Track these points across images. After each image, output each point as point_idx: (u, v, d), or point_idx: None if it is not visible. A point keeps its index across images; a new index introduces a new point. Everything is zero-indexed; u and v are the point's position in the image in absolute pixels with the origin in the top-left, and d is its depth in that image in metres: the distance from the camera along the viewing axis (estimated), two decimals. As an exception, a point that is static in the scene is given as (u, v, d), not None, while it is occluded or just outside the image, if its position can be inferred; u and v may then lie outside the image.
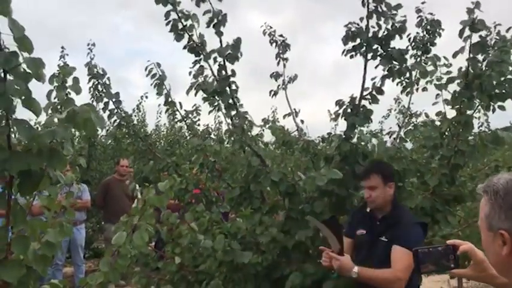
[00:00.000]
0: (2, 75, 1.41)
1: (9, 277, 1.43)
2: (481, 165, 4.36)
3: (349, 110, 3.56)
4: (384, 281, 2.81)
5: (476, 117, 3.68)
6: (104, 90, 4.75)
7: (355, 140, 3.62)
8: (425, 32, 4.54)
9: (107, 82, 4.83)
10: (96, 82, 4.79)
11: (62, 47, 7.10)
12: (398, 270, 2.76)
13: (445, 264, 1.69)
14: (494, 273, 1.50)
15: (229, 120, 3.80)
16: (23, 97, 1.44)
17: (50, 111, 1.84)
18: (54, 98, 1.93)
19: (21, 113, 1.52)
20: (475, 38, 3.36)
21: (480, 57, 3.41)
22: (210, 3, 3.44)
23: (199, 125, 5.26)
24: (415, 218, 3.03)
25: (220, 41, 3.50)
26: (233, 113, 3.61)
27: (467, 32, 3.33)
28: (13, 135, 1.51)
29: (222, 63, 3.52)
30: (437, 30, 4.45)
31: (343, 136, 3.56)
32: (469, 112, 3.43)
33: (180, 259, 3.47)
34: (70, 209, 2.20)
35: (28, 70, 1.44)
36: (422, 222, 2.99)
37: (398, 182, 3.48)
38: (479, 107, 3.52)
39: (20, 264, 1.48)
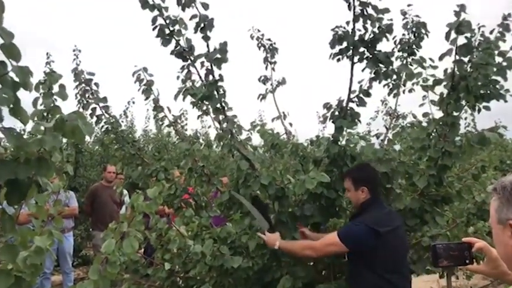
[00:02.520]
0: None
1: (-3, 287, 1.41)
2: (468, 165, 4.40)
3: (336, 113, 3.57)
4: (299, 247, 3.14)
5: (462, 118, 3.72)
6: (92, 96, 4.71)
7: (344, 142, 3.65)
8: (411, 34, 4.57)
9: (95, 88, 4.79)
10: (84, 88, 4.75)
11: (47, 53, 7.02)
12: (317, 243, 3.06)
13: (460, 259, 1.78)
14: (507, 270, 1.59)
15: (217, 125, 3.79)
16: (11, 105, 1.43)
17: (35, 119, 1.83)
18: (41, 105, 1.92)
19: (6, 120, 1.50)
20: (461, 40, 3.40)
21: (466, 59, 3.44)
22: (197, 8, 3.43)
23: (186, 129, 5.24)
24: (373, 221, 3.01)
25: (207, 46, 3.49)
26: (221, 117, 3.60)
27: (453, 35, 3.37)
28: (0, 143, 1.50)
29: (209, 67, 3.51)
30: (423, 32, 4.48)
31: (331, 139, 3.57)
32: (455, 113, 3.46)
33: (170, 265, 3.45)
34: (58, 217, 2.18)
35: (16, 79, 1.43)
36: (372, 228, 2.97)
37: (386, 183, 3.52)
38: (466, 107, 3.56)
39: (9, 274, 1.46)
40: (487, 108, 3.55)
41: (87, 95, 4.69)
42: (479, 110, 3.57)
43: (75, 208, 6.81)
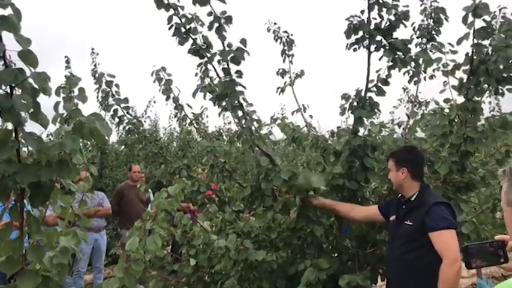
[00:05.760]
0: (9, 90, 1.44)
1: (25, 286, 1.47)
2: (493, 150, 4.32)
3: (355, 104, 3.55)
4: (448, 278, 2.76)
5: (485, 102, 3.65)
6: (113, 97, 4.78)
7: (366, 132, 3.63)
8: (430, 20, 4.50)
9: (116, 89, 4.86)
10: (106, 90, 4.83)
11: (66, 57, 7.08)
12: (446, 256, 2.78)
13: (494, 259, 1.74)
14: None
15: (237, 121, 3.81)
16: (31, 110, 1.47)
17: (58, 122, 1.88)
18: (63, 109, 1.97)
19: (34, 123, 1.55)
20: (480, 23, 3.32)
21: (486, 41, 3.37)
22: (211, 6, 3.43)
23: (208, 127, 5.29)
24: (439, 198, 3.03)
25: (223, 44, 3.50)
26: (240, 113, 3.62)
27: (470, 18, 3.30)
28: (25, 148, 1.55)
29: (225, 66, 3.52)
30: (442, 17, 4.41)
31: (351, 130, 3.55)
32: (476, 98, 3.40)
33: (196, 260, 3.50)
34: (84, 217, 2.24)
35: (35, 85, 1.47)
36: (444, 202, 3.00)
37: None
38: (488, 91, 3.50)
39: (36, 274, 1.51)
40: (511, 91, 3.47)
41: (108, 97, 4.77)
42: (502, 94, 3.50)
43: (109, 208, 7.00)
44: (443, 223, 2.85)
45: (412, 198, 3.11)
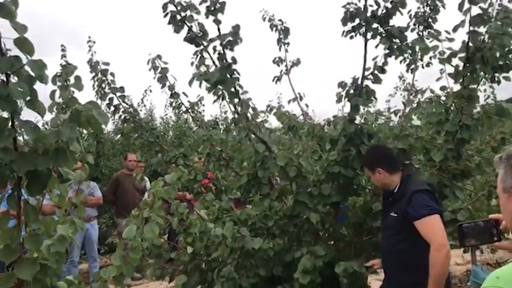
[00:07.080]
0: (5, 78, 1.43)
1: (23, 275, 1.47)
2: (489, 138, 4.33)
3: (351, 91, 3.55)
4: (438, 262, 2.77)
5: (480, 90, 3.65)
6: (109, 86, 4.76)
7: (362, 120, 3.63)
8: (426, 7, 4.49)
9: (111, 78, 4.84)
10: (101, 79, 4.80)
11: (62, 45, 7.02)
12: (433, 241, 2.79)
13: (487, 237, 1.75)
14: None
15: (233, 108, 3.80)
16: (28, 98, 1.46)
17: (55, 111, 1.87)
18: (59, 98, 1.96)
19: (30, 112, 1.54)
20: (476, 10, 3.31)
21: (483, 29, 3.36)
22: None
23: (204, 115, 5.28)
24: (419, 186, 3.04)
25: (219, 29, 3.49)
26: (236, 100, 3.61)
27: (466, 5, 3.29)
28: (21, 137, 1.55)
29: (221, 51, 3.50)
30: (439, 4, 4.39)
31: (347, 117, 3.56)
32: (472, 86, 3.40)
33: (193, 248, 3.51)
34: (81, 206, 2.24)
35: (31, 72, 1.46)
36: (424, 189, 3.01)
37: (404, 159, 3.50)
38: (484, 79, 3.50)
39: (34, 262, 1.52)
40: (507, 79, 3.47)
41: (103, 85, 4.75)
42: (498, 82, 3.50)
43: (100, 198, 6.99)
44: (424, 210, 2.87)
45: (395, 190, 3.14)
